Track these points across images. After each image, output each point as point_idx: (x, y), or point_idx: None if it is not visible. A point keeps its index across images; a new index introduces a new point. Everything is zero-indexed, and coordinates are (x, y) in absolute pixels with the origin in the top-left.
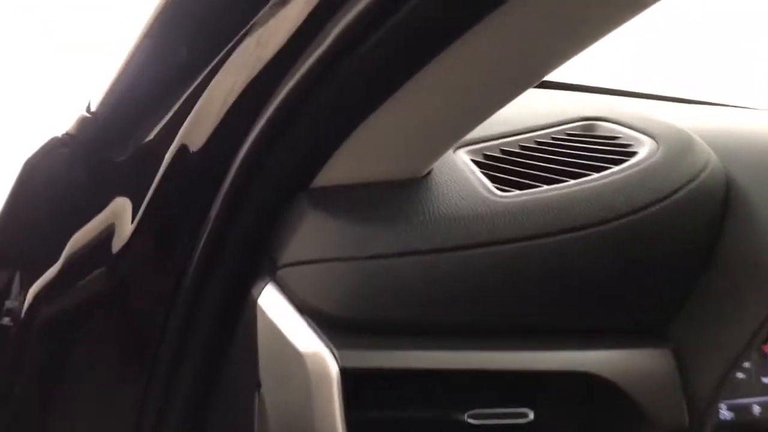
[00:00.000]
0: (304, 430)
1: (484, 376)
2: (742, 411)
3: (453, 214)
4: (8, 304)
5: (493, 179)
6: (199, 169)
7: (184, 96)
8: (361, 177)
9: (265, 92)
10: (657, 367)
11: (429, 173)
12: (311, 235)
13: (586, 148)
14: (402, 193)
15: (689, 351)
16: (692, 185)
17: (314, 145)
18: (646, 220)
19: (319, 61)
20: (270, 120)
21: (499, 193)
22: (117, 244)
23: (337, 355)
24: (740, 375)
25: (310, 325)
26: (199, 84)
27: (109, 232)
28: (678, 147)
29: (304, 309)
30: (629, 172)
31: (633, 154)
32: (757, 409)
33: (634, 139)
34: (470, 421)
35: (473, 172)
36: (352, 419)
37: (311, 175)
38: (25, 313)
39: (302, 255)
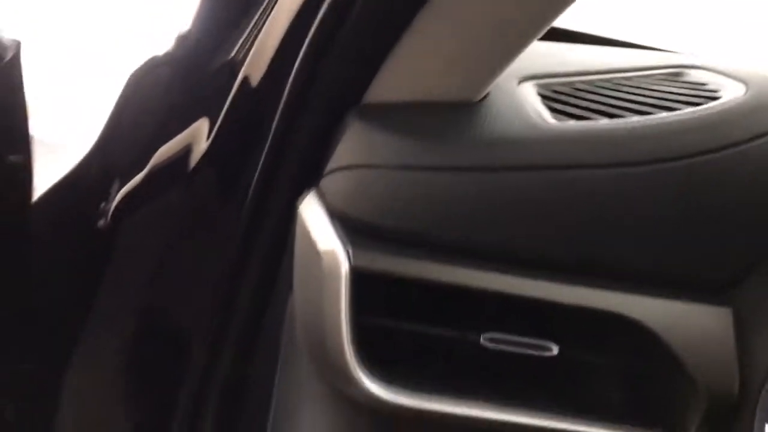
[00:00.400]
0: (316, 327)
1: (512, 305)
2: None
3: (495, 136)
4: (103, 206)
5: (554, 111)
6: (262, 90)
7: (257, 15)
8: (411, 95)
9: (313, 9)
10: (710, 325)
11: (484, 99)
12: (351, 143)
13: (666, 90)
14: (449, 112)
15: (754, 317)
16: None
17: (359, 59)
18: (718, 164)
19: None
20: (314, 35)
21: (552, 121)
22: (192, 162)
23: (350, 254)
24: None
25: (334, 226)
26: (266, 5)
27: (187, 150)
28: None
29: (334, 213)
30: (706, 112)
31: (718, 98)
32: None
33: (723, 85)
34: (486, 344)
35: (532, 103)
36: (363, 323)
37: (361, 91)
38: (111, 217)
39: (340, 162)
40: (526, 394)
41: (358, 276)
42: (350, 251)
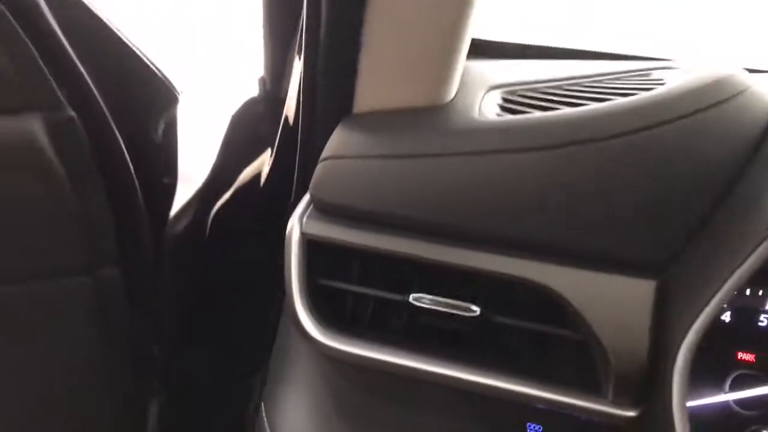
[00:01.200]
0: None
1: (445, 272)
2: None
3: (440, 129)
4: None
5: (508, 110)
6: (294, 121)
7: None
8: (387, 104)
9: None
10: (626, 296)
11: (447, 104)
12: (330, 141)
13: (620, 86)
14: (411, 114)
15: (678, 288)
16: (714, 109)
17: (338, 76)
18: (651, 141)
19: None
20: (304, 68)
21: (490, 117)
22: (261, 180)
23: (303, 224)
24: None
25: (306, 206)
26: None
27: (258, 171)
28: (706, 76)
29: (311, 197)
30: (638, 97)
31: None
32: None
33: (673, 77)
34: (413, 302)
35: (488, 104)
36: (315, 283)
37: (349, 103)
38: (210, 223)
39: (319, 158)
40: (454, 352)
41: (311, 244)
42: (303, 222)
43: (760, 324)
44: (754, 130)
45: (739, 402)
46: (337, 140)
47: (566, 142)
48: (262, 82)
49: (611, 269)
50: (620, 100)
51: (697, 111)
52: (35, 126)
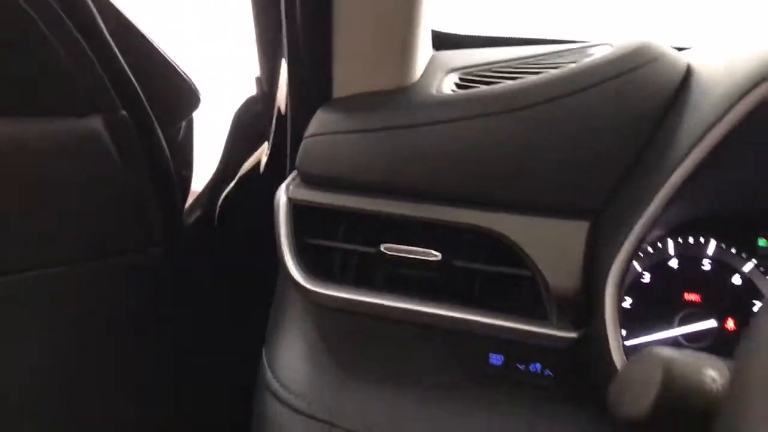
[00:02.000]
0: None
1: (411, 225)
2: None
3: (402, 106)
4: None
5: (462, 87)
6: (285, 115)
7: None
8: (362, 89)
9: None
10: (563, 236)
11: (411, 86)
12: (312, 122)
13: (557, 61)
14: (380, 95)
15: (606, 230)
16: (633, 73)
17: (317, 69)
18: (579, 103)
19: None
20: (288, 52)
21: (446, 92)
22: (260, 168)
23: (289, 190)
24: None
25: (293, 178)
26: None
27: (258, 161)
28: (627, 45)
29: (297, 170)
30: (567, 68)
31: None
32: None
33: (602, 50)
34: (384, 251)
35: (445, 83)
36: (301, 241)
37: (328, 91)
38: (219, 210)
39: (305, 135)
40: (425, 294)
41: (296, 208)
42: (290, 188)
43: (703, 268)
44: (667, 90)
45: (687, 336)
46: (318, 121)
47: (504, 109)
48: (259, 81)
49: (550, 214)
50: (553, 72)
51: (617, 75)
52: (98, 126)
